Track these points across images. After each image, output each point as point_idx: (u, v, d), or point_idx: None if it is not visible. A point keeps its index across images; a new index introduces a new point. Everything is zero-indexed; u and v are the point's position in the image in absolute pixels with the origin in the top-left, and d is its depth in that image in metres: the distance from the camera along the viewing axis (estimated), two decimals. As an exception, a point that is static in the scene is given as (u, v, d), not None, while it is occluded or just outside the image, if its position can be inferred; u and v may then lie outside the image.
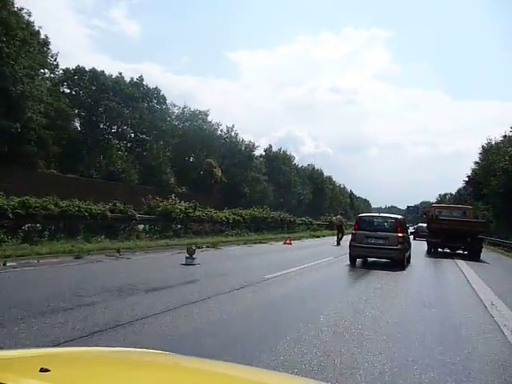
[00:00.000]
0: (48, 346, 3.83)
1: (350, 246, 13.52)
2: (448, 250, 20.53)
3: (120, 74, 48.05)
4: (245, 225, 22.15)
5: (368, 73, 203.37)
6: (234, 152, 57.62)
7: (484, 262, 18.02)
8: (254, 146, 60.17)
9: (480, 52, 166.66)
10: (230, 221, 20.99)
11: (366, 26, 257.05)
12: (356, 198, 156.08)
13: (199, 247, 14.42)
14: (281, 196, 69.44)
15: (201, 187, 52.42)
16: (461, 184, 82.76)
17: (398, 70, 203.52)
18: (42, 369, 1.01)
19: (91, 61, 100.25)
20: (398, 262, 12.97)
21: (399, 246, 12.89)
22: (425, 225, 27.28)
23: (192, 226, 17.41)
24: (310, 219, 36.91)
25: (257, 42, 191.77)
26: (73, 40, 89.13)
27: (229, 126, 58.57)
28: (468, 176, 52.75)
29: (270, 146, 73.68)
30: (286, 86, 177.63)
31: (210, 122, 57.58)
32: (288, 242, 20.42)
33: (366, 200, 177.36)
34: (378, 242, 12.89)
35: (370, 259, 14.11)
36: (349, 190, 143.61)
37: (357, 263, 13.66)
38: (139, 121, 46.82)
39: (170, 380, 1.20)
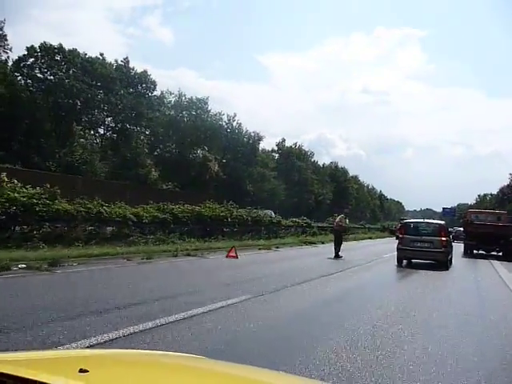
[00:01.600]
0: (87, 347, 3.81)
1: (398, 248, 14.69)
2: (483, 252, 21.57)
3: (101, 54, 41.98)
4: (177, 226, 14.75)
5: (401, 73, 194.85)
6: (235, 144, 50.44)
7: None
8: (258, 136, 52.54)
9: None
10: (145, 220, 13.72)
11: (399, 26, 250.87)
12: (387, 199, 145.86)
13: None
14: (295, 195, 61.72)
15: (195, 184, 45.57)
16: (505, 182, 74.00)
17: (433, 70, 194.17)
18: (81, 369, 1.03)
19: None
20: (443, 263, 14.04)
21: (443, 249, 13.96)
22: (461, 229, 28.14)
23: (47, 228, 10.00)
24: (307, 221, 29.00)
25: (287, 44, 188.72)
26: (109, 48, 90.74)
27: (230, 114, 51.37)
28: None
29: (283, 140, 65.77)
30: (316, 89, 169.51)
31: (210, 111, 50.68)
32: (232, 254, 12.97)
33: (398, 202, 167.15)
34: (424, 246, 13.98)
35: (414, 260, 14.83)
36: (378, 191, 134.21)
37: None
38: (119, 107, 40.46)
39: None
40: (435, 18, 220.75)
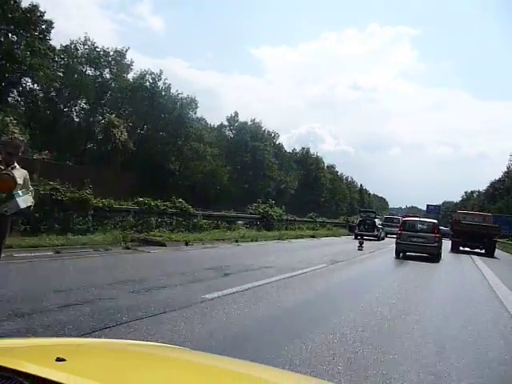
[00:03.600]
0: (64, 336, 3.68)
1: (397, 243, 16.37)
2: (468, 249, 23.37)
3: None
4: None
5: (392, 71, 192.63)
6: (160, 111, 39.08)
7: (495, 257, 21.40)
8: (193, 102, 40.98)
9: (508, 51, 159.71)
10: None
11: (392, 24, 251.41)
12: (369, 194, 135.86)
13: None
14: (247, 181, 50.78)
15: (96, 157, 34.29)
16: (497, 177, 66.99)
17: (423, 69, 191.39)
18: (58, 358, 1.02)
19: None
20: (435, 256, 15.73)
21: (436, 244, 15.79)
22: (446, 228, 31.18)
23: None
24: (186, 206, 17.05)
25: (280, 38, 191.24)
26: (98, 34, 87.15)
27: (156, 72, 39.73)
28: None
29: (236, 114, 54.24)
30: (308, 83, 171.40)
31: (131, 66, 39.15)
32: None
33: (381, 198, 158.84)
34: (419, 241, 15.71)
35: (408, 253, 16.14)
36: (359, 185, 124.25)
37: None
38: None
39: (179, 375, 1.20)
40: (428, 18, 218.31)
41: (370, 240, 26.74)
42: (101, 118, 36.95)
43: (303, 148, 79.66)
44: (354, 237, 27.44)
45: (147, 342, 2.02)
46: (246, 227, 21.65)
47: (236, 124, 53.04)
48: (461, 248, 23.17)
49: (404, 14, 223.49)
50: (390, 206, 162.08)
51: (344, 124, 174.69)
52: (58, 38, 35.36)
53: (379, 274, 11.22)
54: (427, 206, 74.34)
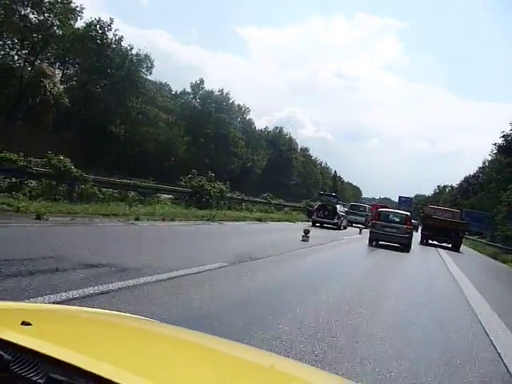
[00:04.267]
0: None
1: (371, 232, 17.17)
2: (436, 242, 24.04)
3: None
4: None
5: (376, 62, 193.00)
6: (108, 65, 33.91)
7: (460, 252, 22.74)
8: (148, 59, 35.85)
9: (491, 53, 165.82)
10: None
11: (381, 14, 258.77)
12: (342, 182, 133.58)
13: None
14: (208, 155, 46.07)
15: (27, 112, 29.18)
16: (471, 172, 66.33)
17: (407, 63, 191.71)
18: (23, 322, 0.99)
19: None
20: (405, 246, 16.55)
21: (407, 235, 16.56)
22: (415, 222, 31.55)
23: None
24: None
25: (267, 19, 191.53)
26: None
27: (105, 21, 34.31)
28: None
29: (201, 82, 49.05)
30: (292, 67, 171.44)
31: (77, 10, 33.62)
32: None
33: (355, 187, 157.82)
34: (392, 231, 16.45)
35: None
36: (333, 171, 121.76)
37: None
38: None
39: (148, 346, 1.17)
40: (416, 13, 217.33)
41: (329, 228, 23.14)
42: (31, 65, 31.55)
43: (276, 127, 75.48)
44: (311, 223, 24.00)
45: (120, 313, 1.71)
46: (174, 203, 17.54)
47: (200, 92, 47.98)
48: (430, 241, 24.25)
49: (393, 5, 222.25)
50: (364, 195, 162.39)
51: (325, 111, 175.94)
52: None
53: (302, 287, 7.01)
54: (399, 197, 74.43)
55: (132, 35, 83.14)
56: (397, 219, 17.06)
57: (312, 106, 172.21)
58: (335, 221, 24.28)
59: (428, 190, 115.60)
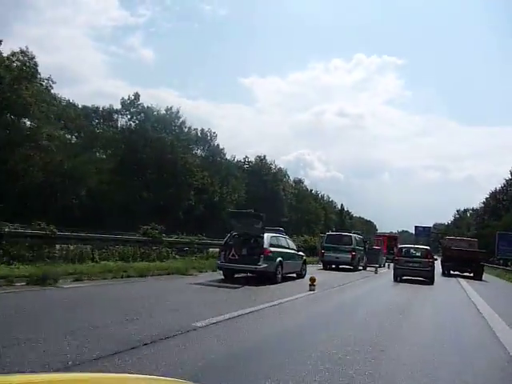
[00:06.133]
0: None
1: (395, 268, 18.35)
2: (458, 272, 24.72)
3: None
4: None
5: (379, 99, 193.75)
6: None
7: (484, 280, 23.32)
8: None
9: (494, 80, 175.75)
10: None
11: (378, 53, 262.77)
12: (351, 216, 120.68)
13: None
14: (147, 187, 34.62)
15: None
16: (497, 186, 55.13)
17: (410, 97, 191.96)
18: None
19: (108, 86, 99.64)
20: (429, 278, 17.63)
21: (429, 268, 17.70)
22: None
23: None
24: None
25: (269, 68, 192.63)
26: (90, 65, 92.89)
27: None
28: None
29: (136, 97, 38.61)
30: (296, 111, 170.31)
31: None
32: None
33: (369, 222, 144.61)
34: (415, 265, 17.73)
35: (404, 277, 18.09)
36: (339, 206, 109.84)
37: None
38: None
39: None
40: (413, 49, 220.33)
41: (257, 284, 11.50)
42: None
43: (259, 156, 64.58)
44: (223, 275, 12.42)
45: (151, 376, 1.74)
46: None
47: (133, 110, 37.59)
48: (451, 271, 24.87)
49: (390, 44, 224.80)
50: (381, 230, 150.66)
51: (334, 151, 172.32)
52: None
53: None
54: (415, 227, 68.90)
55: (143, 96, 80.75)
56: (418, 254, 18.70)
57: (320, 147, 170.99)
58: (260, 264, 12.50)
59: (447, 218, 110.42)
